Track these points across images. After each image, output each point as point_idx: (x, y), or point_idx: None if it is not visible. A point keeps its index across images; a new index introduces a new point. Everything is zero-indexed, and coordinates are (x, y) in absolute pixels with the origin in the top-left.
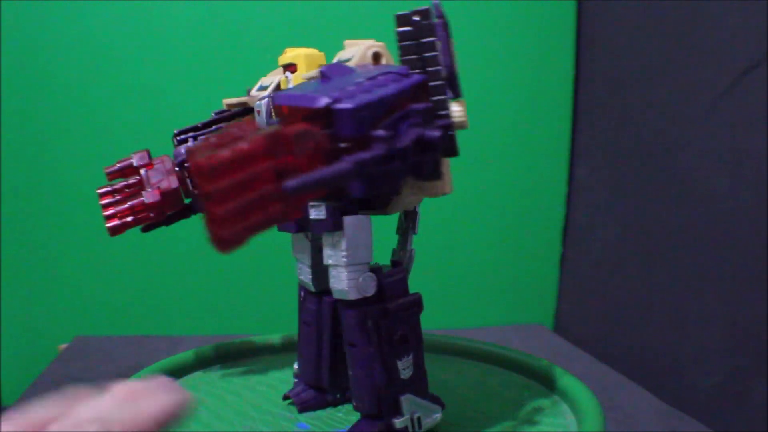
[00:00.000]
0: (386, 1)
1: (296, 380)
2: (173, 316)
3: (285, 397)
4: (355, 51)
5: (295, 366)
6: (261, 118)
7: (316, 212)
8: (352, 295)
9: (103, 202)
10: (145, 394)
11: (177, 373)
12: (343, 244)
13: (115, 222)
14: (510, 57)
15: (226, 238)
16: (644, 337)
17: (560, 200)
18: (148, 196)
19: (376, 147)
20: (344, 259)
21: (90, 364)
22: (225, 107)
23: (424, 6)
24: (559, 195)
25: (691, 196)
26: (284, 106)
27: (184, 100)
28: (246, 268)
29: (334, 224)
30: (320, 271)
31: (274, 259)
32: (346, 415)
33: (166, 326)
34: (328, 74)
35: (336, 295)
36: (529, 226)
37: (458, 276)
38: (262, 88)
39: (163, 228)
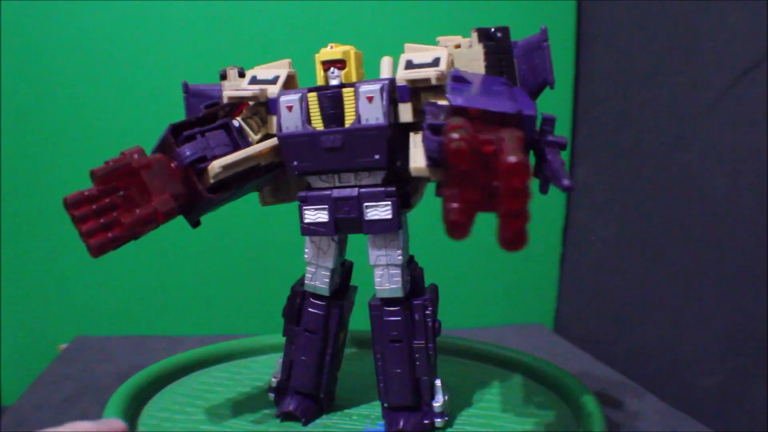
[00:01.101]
0: (383, 2)
1: (273, 394)
2: (173, 316)
3: (281, 414)
4: (438, 56)
5: (274, 380)
6: (294, 115)
7: (382, 212)
8: (403, 292)
9: (79, 213)
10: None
11: (177, 373)
12: (400, 243)
13: (99, 239)
14: None
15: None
16: (644, 337)
17: (560, 200)
18: (162, 204)
19: (555, 150)
20: (400, 258)
21: (90, 364)
22: (227, 100)
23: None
24: (559, 195)
25: (691, 196)
26: (474, 108)
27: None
28: (246, 268)
29: (399, 223)
30: (336, 274)
31: (273, 259)
32: (341, 418)
33: (166, 326)
34: (467, 79)
35: (384, 295)
36: (530, 226)
37: (458, 276)
38: (259, 81)
39: (164, 228)
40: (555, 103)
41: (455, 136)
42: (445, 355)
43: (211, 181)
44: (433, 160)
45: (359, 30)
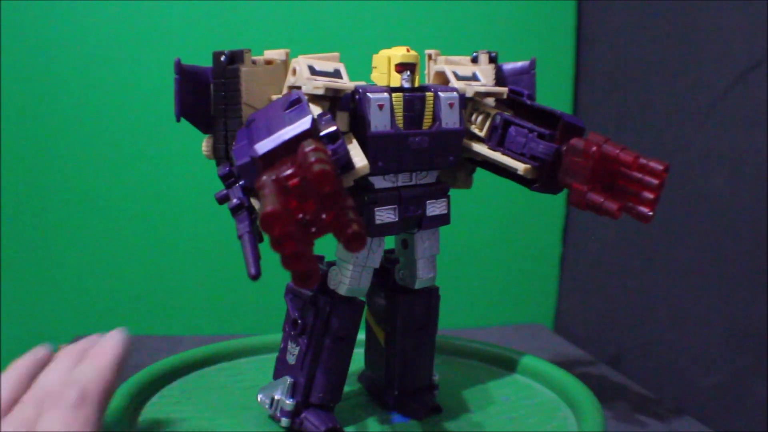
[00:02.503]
0: (383, 1)
1: (287, 418)
2: (173, 316)
3: None
4: (476, 71)
5: (289, 402)
6: (384, 114)
7: (439, 208)
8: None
9: (292, 230)
10: (92, 348)
11: (177, 373)
12: (438, 235)
13: (312, 261)
14: (510, 57)
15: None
16: (644, 337)
17: (560, 200)
18: (357, 213)
19: None
20: (438, 249)
21: None
22: (324, 91)
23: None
24: (559, 195)
25: (691, 196)
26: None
27: None
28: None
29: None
30: None
31: (274, 259)
32: (356, 422)
33: (166, 326)
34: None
35: (425, 284)
36: (529, 226)
37: (458, 276)
38: (320, 73)
39: (163, 228)
40: (555, 103)
41: (615, 150)
42: (445, 355)
43: (351, 183)
44: (538, 160)
45: (357, 29)
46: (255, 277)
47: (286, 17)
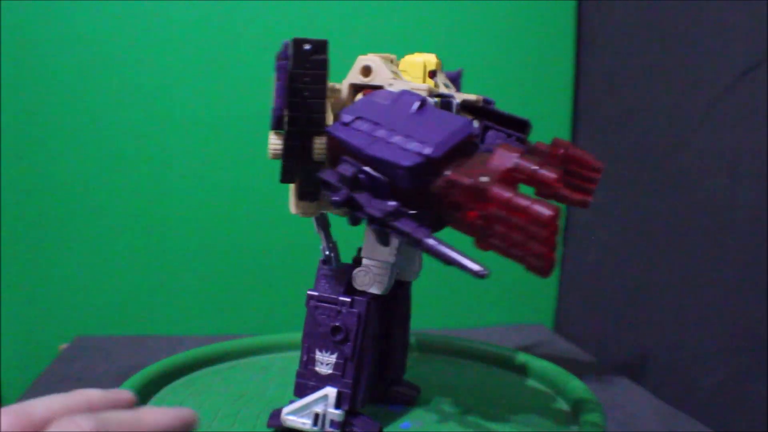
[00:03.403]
0: (385, 1)
1: (333, 429)
2: (173, 316)
3: None
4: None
5: (338, 412)
6: None
7: None
8: None
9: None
10: (150, 410)
11: (177, 373)
12: None
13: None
14: (510, 57)
15: None
16: (644, 337)
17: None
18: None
19: None
20: None
21: (90, 364)
22: (434, 96)
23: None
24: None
25: (691, 196)
26: None
27: (184, 99)
28: (246, 268)
29: None
30: None
31: (274, 259)
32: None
33: (166, 326)
34: None
35: (415, 277)
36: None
37: (458, 276)
38: (394, 74)
39: (164, 228)
40: (555, 104)
41: (579, 152)
42: (445, 355)
43: None
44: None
45: (355, 29)
46: (485, 273)
47: (279, 17)
